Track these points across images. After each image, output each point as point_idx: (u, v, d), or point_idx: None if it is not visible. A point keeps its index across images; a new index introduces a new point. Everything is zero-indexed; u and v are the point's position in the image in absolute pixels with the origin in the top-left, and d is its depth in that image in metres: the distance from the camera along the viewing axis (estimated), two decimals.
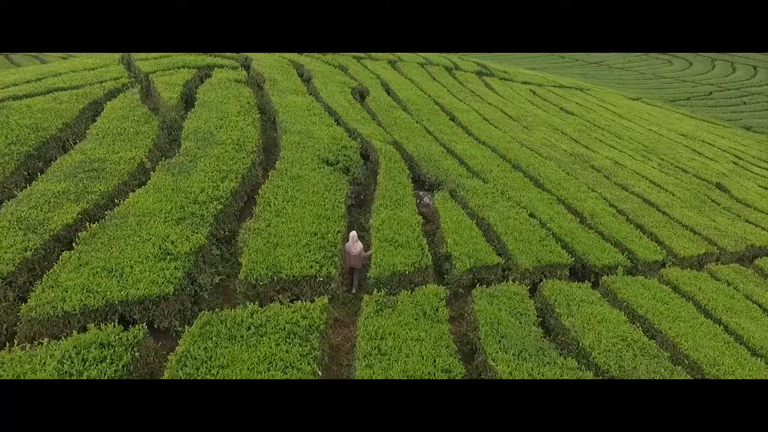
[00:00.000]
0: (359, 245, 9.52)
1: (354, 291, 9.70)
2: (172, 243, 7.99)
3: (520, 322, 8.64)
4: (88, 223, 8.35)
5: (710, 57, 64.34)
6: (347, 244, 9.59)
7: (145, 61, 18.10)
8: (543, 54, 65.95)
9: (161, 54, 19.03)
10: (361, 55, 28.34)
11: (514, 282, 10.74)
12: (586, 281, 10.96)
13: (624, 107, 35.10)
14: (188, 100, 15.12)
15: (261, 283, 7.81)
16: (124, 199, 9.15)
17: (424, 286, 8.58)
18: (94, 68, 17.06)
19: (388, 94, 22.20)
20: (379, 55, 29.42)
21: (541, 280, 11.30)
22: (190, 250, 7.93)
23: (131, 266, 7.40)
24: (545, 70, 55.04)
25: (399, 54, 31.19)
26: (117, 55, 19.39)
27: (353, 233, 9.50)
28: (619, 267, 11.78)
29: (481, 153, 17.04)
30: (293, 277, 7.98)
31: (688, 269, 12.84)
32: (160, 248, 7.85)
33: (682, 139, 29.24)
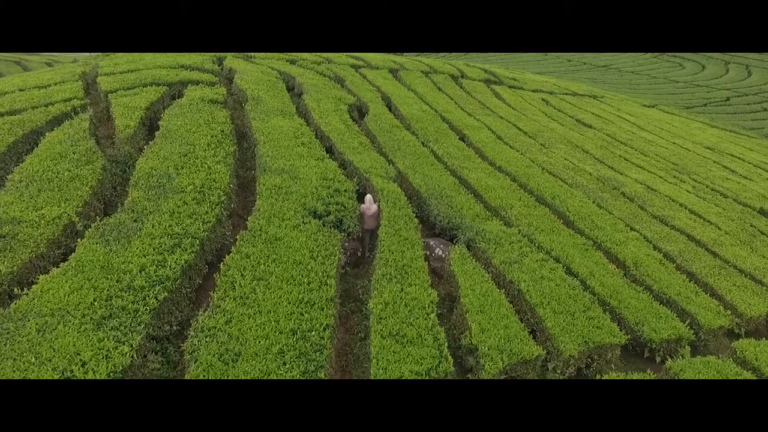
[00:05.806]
0: (374, 207, 9.60)
1: (368, 254, 9.70)
2: (83, 365, 5.52)
3: None
4: None
5: (723, 59, 61.74)
6: (363, 205, 9.69)
7: (108, 76, 15.62)
8: (549, 56, 63.45)
9: (129, 68, 16.55)
10: (360, 63, 25.86)
11: (557, 373, 8.35)
12: (648, 371, 8.52)
13: (642, 117, 32.66)
14: (152, 128, 12.65)
15: None
16: (32, 285, 6.67)
17: None
18: (48, 86, 14.55)
19: (390, 109, 19.74)
20: (380, 62, 26.92)
21: (587, 365, 8.90)
22: (109, 376, 5.47)
23: None
24: (553, 74, 52.55)
25: (401, 61, 28.70)
26: (79, 70, 16.91)
27: (369, 196, 9.77)
28: (685, 346, 9.34)
29: (498, 183, 14.61)
30: None
31: (764, 339, 10.41)
32: (62, 375, 5.40)
33: (709, 153, 26.79)
